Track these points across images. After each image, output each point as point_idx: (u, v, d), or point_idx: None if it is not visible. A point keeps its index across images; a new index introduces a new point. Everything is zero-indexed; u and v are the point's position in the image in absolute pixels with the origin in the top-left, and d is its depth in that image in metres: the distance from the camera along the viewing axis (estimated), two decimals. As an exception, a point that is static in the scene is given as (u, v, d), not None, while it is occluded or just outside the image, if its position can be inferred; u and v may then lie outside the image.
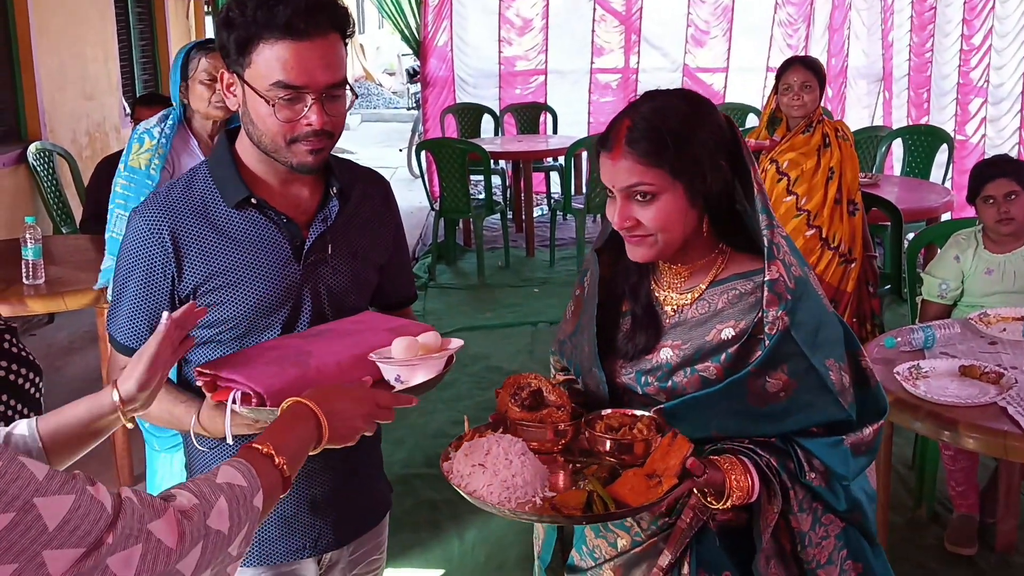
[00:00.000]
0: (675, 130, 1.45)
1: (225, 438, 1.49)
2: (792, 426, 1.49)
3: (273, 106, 1.50)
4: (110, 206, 2.66)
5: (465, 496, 1.41)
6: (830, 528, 1.52)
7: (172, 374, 1.70)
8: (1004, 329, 2.85)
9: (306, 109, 1.50)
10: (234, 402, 1.42)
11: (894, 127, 7.13)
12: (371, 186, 1.76)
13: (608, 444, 1.47)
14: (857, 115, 7.98)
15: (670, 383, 1.54)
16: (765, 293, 1.45)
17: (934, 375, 2.54)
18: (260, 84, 1.49)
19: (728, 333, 1.51)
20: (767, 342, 1.44)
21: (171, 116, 2.74)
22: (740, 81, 8.67)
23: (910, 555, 3.17)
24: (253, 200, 1.58)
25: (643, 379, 1.58)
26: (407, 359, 1.48)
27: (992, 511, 3.24)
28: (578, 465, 1.50)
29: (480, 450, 1.44)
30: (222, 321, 1.59)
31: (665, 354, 1.56)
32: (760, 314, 1.46)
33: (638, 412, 1.53)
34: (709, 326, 1.53)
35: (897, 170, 6.79)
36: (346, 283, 1.68)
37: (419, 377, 1.49)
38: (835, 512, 1.52)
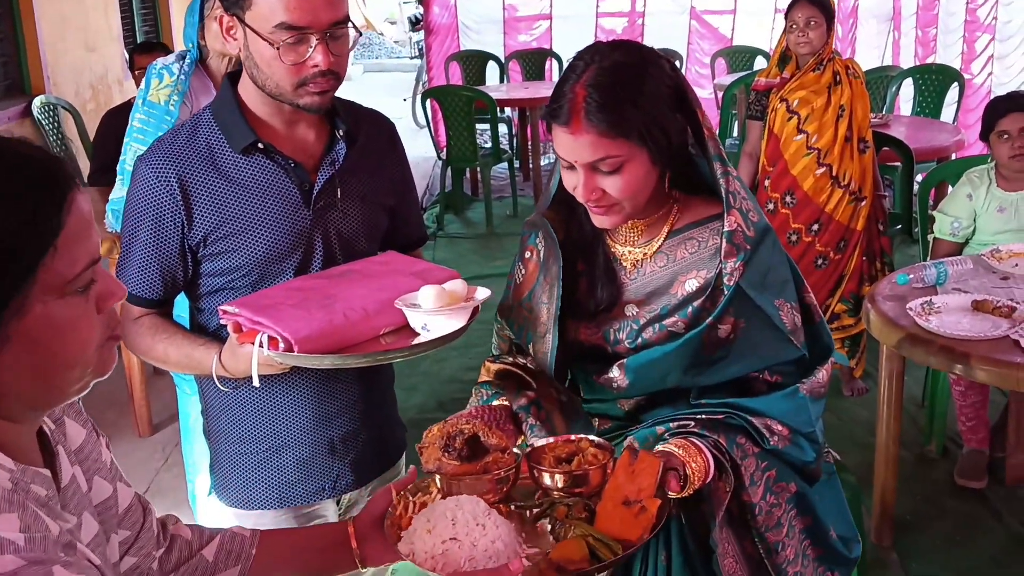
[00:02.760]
0: (631, 94, 1.37)
1: (247, 379, 1.51)
2: (739, 371, 1.47)
3: (278, 49, 1.47)
4: (126, 140, 2.63)
5: None
6: (781, 496, 1.49)
7: (184, 320, 1.72)
8: (1016, 264, 2.86)
9: (311, 50, 1.48)
10: (261, 345, 1.42)
11: (903, 67, 7.05)
12: (376, 127, 1.74)
13: (561, 480, 1.31)
14: (867, 56, 7.86)
15: (640, 340, 1.52)
16: (723, 244, 1.43)
17: (946, 310, 2.55)
18: (262, 26, 1.47)
19: (692, 284, 1.48)
20: (726, 293, 1.42)
21: (188, 56, 2.72)
22: (748, 23, 8.55)
23: (920, 490, 3.21)
24: (260, 145, 1.57)
25: (611, 337, 1.55)
26: (434, 308, 1.46)
27: (1002, 446, 3.27)
28: (535, 511, 1.34)
29: (443, 520, 1.21)
30: (234, 268, 1.60)
31: (630, 311, 1.53)
32: (720, 265, 1.44)
33: (585, 436, 1.42)
34: (671, 279, 1.50)
35: (907, 110, 6.73)
36: (356, 227, 1.67)
37: (446, 327, 1.46)
38: (795, 470, 1.49)
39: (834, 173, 3.55)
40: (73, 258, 0.88)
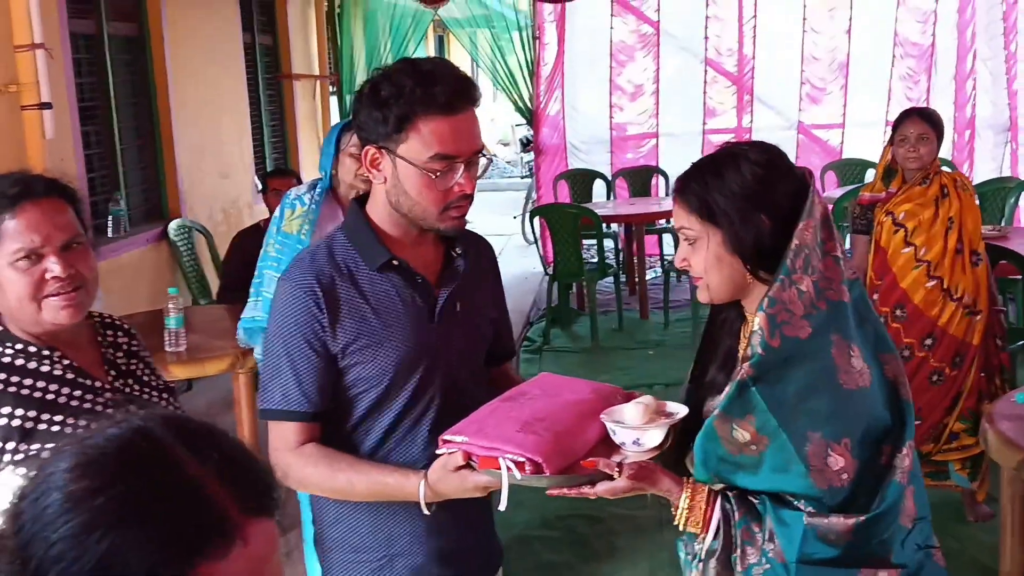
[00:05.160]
0: (712, 180, 1.54)
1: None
2: (768, 485, 1.49)
3: (434, 177, 1.61)
4: (259, 265, 2.83)
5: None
6: None
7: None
8: None
9: (457, 176, 1.62)
10: (508, 469, 1.48)
11: (1022, 178, 6.86)
12: (479, 246, 1.87)
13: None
14: (985, 167, 7.71)
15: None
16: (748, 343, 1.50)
17: (1069, 431, 2.42)
18: (417, 157, 1.61)
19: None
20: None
21: (319, 185, 2.94)
22: (858, 136, 8.51)
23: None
24: (395, 263, 1.68)
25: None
26: (644, 423, 1.54)
27: None
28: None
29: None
30: (367, 379, 1.68)
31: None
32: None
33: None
34: None
35: (1028, 222, 6.52)
36: (473, 339, 1.78)
37: (656, 439, 1.54)
38: None
39: (945, 286, 3.46)
40: None
